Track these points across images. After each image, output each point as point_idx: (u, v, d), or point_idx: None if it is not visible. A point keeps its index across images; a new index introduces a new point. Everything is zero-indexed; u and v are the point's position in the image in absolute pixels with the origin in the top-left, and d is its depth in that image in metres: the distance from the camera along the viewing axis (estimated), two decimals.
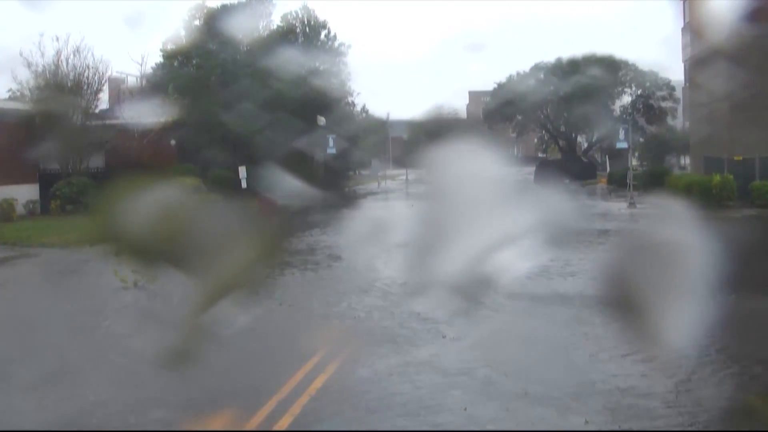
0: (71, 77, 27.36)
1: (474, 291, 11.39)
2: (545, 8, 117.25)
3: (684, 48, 36.63)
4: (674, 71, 51.30)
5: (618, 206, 28.36)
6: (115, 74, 34.71)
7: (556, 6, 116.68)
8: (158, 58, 37.29)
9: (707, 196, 25.61)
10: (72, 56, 27.45)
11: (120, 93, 34.98)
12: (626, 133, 30.41)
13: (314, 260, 16.40)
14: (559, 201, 29.97)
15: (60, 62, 27.20)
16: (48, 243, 19.24)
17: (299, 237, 20.11)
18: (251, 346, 8.82)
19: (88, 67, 28.02)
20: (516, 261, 14.76)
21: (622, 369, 7.69)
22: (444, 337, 8.92)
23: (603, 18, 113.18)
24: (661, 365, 7.72)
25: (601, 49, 54.19)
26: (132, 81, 35.08)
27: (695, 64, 33.92)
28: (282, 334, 9.76)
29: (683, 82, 40.60)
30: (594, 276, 13.35)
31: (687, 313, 10.32)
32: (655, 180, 32.98)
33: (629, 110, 51.48)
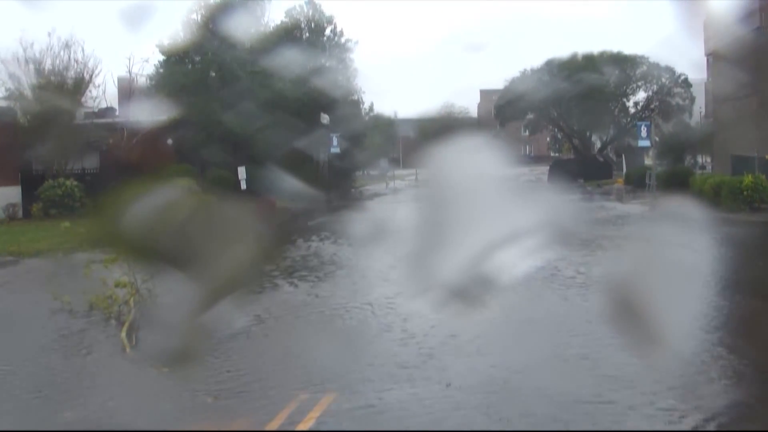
0: (55, 72, 25.62)
1: (484, 317, 9.69)
2: (552, 7, 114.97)
3: (707, 41, 34.75)
4: (681, 68, 49.44)
5: (641, 209, 26.45)
6: (124, 74, 33.18)
7: (562, 6, 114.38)
8: (154, 56, 35.82)
9: (737, 198, 23.75)
10: (59, 51, 25.80)
11: (130, 92, 33.35)
12: (648, 131, 28.47)
13: (307, 271, 14.66)
14: (576, 204, 28.24)
15: (44, 58, 25.56)
16: (16, 251, 17.55)
17: (295, 244, 18.41)
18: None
19: (75, 62, 26.31)
20: (533, 277, 12.99)
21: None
22: (449, 385, 7.08)
23: (602, 18, 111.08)
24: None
25: (603, 48, 52.21)
26: (141, 80, 33.49)
27: (720, 58, 32.02)
28: (248, 374, 7.98)
29: (705, 77, 38.80)
30: (623, 292, 11.55)
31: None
32: (677, 180, 31.09)
33: (650, 106, 49.55)
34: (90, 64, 26.96)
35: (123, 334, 8.13)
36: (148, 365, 7.46)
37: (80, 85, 26.57)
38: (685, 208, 25.40)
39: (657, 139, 46.80)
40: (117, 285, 9.27)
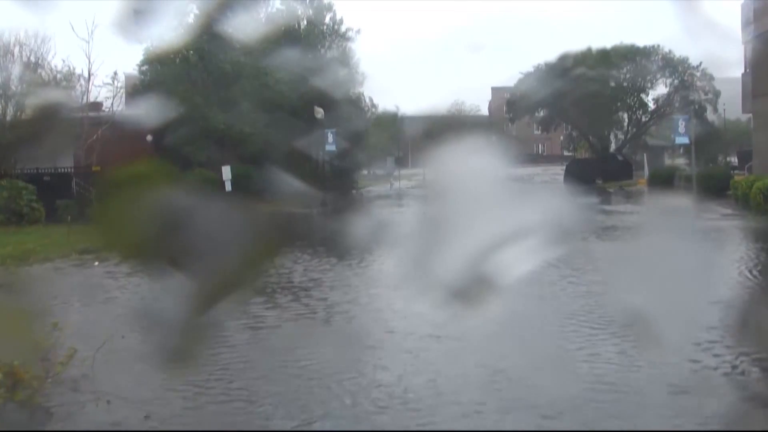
0: None
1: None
2: (560, 6, 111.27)
3: (745, 26, 31.18)
4: (704, 61, 46.28)
5: (683, 218, 23.09)
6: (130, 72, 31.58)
7: (570, 4, 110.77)
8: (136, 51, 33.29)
9: None
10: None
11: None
12: (687, 126, 24.92)
13: (267, 298, 11.29)
14: (600, 209, 25.06)
15: None
16: None
17: (268, 259, 15.00)
18: None
19: (20, 44, 23.16)
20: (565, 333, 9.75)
21: None
22: None
23: (603, 18, 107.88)
24: None
25: (619, 41, 49.50)
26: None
27: (764, 44, 28.49)
28: None
29: (728, 71, 35.60)
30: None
31: None
32: (713, 182, 27.77)
33: (672, 101, 46.41)
34: (39, 48, 23.82)
35: None
36: None
37: (29, 72, 23.47)
38: (734, 216, 22.17)
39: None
40: None
